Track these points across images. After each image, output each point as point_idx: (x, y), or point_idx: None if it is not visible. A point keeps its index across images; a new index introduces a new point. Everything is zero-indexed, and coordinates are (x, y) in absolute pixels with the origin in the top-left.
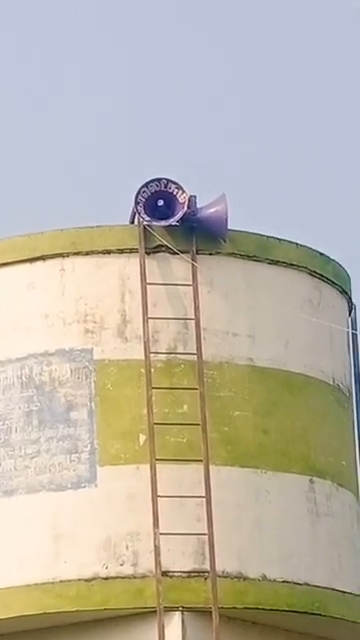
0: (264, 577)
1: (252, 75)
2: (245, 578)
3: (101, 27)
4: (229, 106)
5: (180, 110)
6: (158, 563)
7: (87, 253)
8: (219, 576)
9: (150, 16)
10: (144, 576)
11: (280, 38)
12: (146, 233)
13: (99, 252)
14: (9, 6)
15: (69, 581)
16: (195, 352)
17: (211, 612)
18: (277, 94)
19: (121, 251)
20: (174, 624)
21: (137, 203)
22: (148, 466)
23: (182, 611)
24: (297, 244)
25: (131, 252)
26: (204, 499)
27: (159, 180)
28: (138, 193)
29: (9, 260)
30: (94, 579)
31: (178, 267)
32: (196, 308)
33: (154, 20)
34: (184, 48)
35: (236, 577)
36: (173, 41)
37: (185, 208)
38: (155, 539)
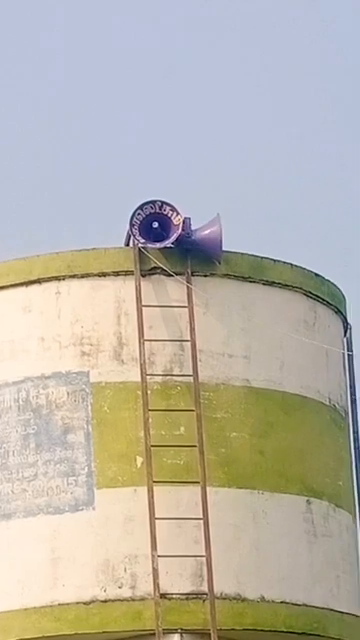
0: (262, 598)
1: (247, 93)
2: (243, 599)
3: (100, 41)
4: (223, 128)
5: (174, 131)
6: (156, 585)
7: (83, 276)
8: (217, 598)
9: (149, 25)
10: (143, 598)
11: (276, 56)
12: (141, 255)
13: (95, 275)
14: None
15: (67, 604)
16: (191, 374)
17: (210, 634)
18: (270, 114)
19: (117, 273)
20: None
21: (132, 225)
22: (145, 488)
23: (181, 633)
24: (292, 265)
25: (126, 274)
26: (202, 521)
27: (154, 202)
28: (133, 215)
29: (5, 283)
30: (93, 602)
31: (173, 289)
32: (192, 330)
33: (152, 32)
34: (182, 67)
35: (234, 598)
36: (172, 57)
37: (180, 230)
38: (153, 561)
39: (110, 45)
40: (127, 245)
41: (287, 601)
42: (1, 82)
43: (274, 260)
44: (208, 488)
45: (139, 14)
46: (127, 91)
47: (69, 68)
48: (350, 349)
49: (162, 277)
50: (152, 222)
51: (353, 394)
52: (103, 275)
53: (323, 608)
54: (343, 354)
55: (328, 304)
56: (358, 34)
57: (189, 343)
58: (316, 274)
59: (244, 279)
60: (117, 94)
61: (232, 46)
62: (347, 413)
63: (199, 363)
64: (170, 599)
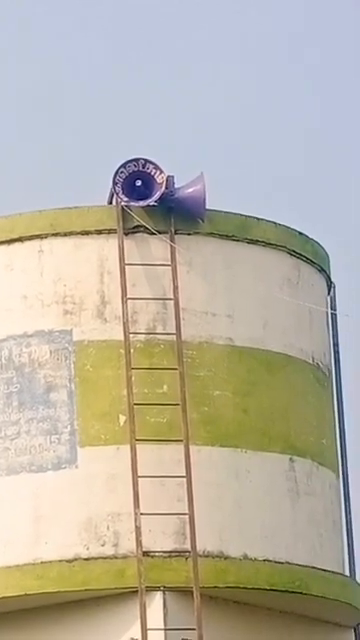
0: (245, 556)
1: (234, 58)
2: (226, 557)
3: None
4: (208, 87)
5: (159, 91)
6: (139, 543)
7: (65, 234)
8: (200, 556)
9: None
10: (125, 556)
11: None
12: (124, 214)
13: (77, 233)
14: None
15: (50, 562)
16: (174, 332)
17: (192, 592)
18: (256, 77)
19: (99, 232)
20: (156, 604)
21: (115, 184)
22: (128, 447)
23: (163, 591)
24: (276, 223)
25: (109, 233)
26: (184, 479)
27: (137, 160)
28: (116, 173)
29: None
30: (75, 560)
31: (157, 247)
32: (175, 288)
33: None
34: (168, 35)
35: (217, 556)
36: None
37: (163, 188)
38: (136, 519)
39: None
40: (110, 203)
41: (270, 559)
42: None
43: (258, 219)
44: (191, 446)
45: None
46: (111, 49)
47: (55, 28)
48: (333, 308)
49: (145, 235)
50: (135, 180)
51: (336, 353)
52: (86, 233)
53: (306, 566)
54: (326, 313)
55: (312, 263)
56: None
57: (172, 302)
58: (300, 232)
59: (228, 237)
60: (100, 52)
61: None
62: (330, 372)
63: (182, 321)
64: (153, 557)
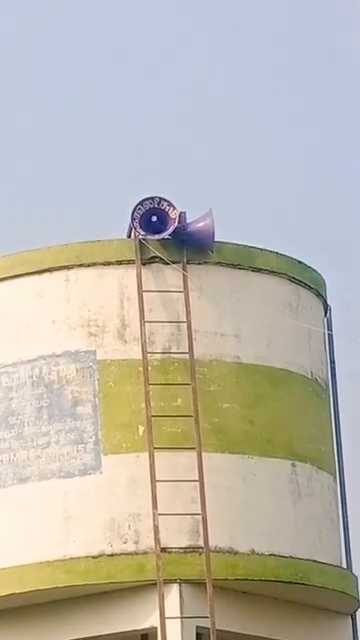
0: (253, 551)
1: (240, 93)
2: (235, 552)
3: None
4: (215, 127)
5: (170, 133)
6: (157, 540)
7: (89, 265)
8: (212, 551)
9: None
10: (145, 552)
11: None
12: (142, 246)
13: (100, 264)
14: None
15: (78, 558)
16: (187, 351)
17: (205, 583)
18: (253, 111)
19: (120, 262)
20: (173, 595)
21: (133, 219)
22: (147, 454)
23: (180, 583)
24: (277, 253)
25: (128, 263)
26: (197, 483)
27: (153, 198)
28: (134, 210)
29: (20, 272)
30: (100, 556)
31: (171, 276)
32: (187, 312)
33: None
34: (180, 68)
35: (227, 552)
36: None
37: (176, 223)
38: (154, 519)
39: (107, 39)
40: (129, 237)
41: (275, 553)
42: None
43: (261, 249)
44: (203, 453)
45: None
46: (127, 93)
47: (73, 67)
48: (330, 328)
49: (160, 265)
50: (151, 216)
51: (333, 368)
52: (108, 264)
53: (307, 560)
54: (324, 333)
55: (310, 288)
56: None
57: (185, 324)
58: (299, 261)
59: (234, 266)
60: (117, 95)
61: (230, 43)
62: (327, 385)
63: (194, 342)
64: (170, 553)
